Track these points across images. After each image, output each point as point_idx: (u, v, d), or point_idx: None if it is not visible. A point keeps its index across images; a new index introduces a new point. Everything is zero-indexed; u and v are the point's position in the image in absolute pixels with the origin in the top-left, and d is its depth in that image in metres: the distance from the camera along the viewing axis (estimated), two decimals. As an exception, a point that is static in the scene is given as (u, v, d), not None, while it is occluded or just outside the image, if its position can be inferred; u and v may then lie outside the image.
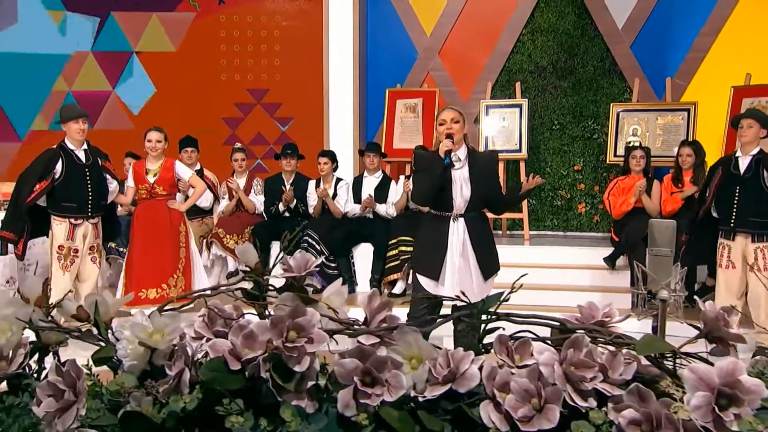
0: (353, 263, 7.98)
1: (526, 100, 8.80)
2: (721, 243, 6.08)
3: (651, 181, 7.76)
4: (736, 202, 5.95)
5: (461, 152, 4.52)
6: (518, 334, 1.42)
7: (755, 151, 5.97)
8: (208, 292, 1.59)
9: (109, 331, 1.46)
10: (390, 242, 7.61)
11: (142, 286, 6.95)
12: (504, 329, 1.50)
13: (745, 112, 6.18)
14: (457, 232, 4.49)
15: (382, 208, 8.02)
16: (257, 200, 8.49)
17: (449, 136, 4.44)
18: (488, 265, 4.54)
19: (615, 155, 8.61)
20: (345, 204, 8.14)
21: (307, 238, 7.78)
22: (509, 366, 1.31)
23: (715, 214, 6.19)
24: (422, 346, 1.34)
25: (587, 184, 9.33)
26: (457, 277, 4.49)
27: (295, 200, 8.20)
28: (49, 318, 1.45)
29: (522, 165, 8.74)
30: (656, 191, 7.75)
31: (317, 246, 7.78)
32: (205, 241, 8.17)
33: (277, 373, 1.31)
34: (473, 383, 1.28)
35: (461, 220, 4.50)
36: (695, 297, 6.55)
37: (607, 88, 9.29)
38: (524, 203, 8.69)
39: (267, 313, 1.52)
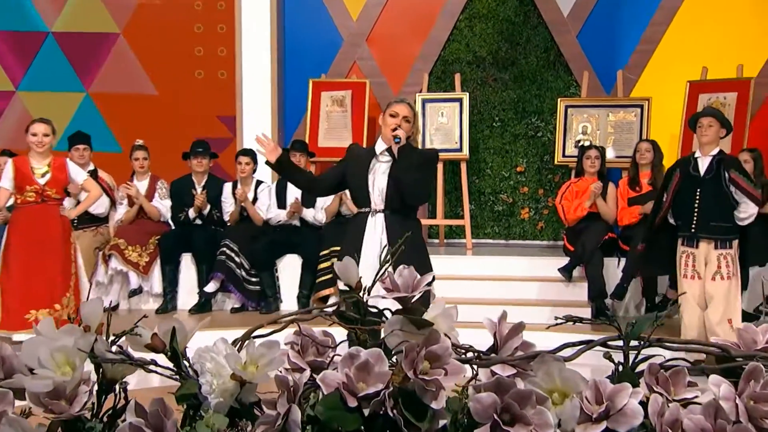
0: (278, 277, 7.89)
1: (467, 93, 8.89)
2: (684, 252, 6.26)
3: (606, 184, 7.93)
4: (696, 206, 6.17)
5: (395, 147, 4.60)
6: (668, 363, 1.41)
7: (715, 151, 6.21)
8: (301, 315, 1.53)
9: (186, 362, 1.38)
10: (322, 253, 7.56)
11: (30, 307, 6.62)
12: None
13: (703, 110, 6.42)
14: (374, 230, 4.60)
15: (310, 214, 7.94)
16: (162, 206, 8.28)
17: (397, 136, 4.53)
18: None
19: (563, 155, 8.80)
20: (267, 210, 8.04)
21: (224, 249, 7.66)
22: (667, 400, 1.30)
23: (671, 220, 6.39)
24: (567, 377, 1.32)
25: (531, 187, 9.50)
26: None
27: (208, 206, 8.05)
28: (118, 348, 1.37)
29: (463, 166, 8.82)
30: (612, 195, 7.93)
31: (236, 258, 7.68)
32: (101, 253, 7.89)
33: (408, 410, 1.27)
34: (636, 421, 1.26)
35: (380, 216, 4.61)
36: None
37: (551, 82, 9.49)
38: (466, 209, 8.78)
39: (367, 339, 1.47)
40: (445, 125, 8.78)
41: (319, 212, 7.95)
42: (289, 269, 7.88)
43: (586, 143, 8.54)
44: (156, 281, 8.03)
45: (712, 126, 6.17)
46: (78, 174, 6.79)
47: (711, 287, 6.18)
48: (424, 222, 8.75)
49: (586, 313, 7.37)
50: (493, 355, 1.39)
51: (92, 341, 1.34)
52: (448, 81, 9.42)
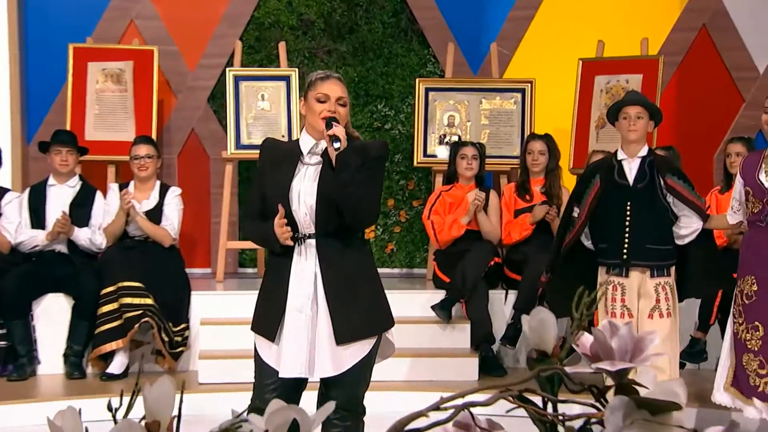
0: (34, 327, 7.26)
1: (296, 70, 8.55)
2: (611, 282, 6.01)
3: (487, 193, 7.81)
4: (627, 225, 5.90)
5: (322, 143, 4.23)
6: None
7: (644, 151, 5.95)
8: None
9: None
10: (104, 291, 7.04)
11: None
12: None
13: (627, 96, 6.16)
14: (304, 264, 4.22)
15: (83, 236, 7.40)
16: None
17: (333, 121, 4.09)
18: (346, 321, 4.20)
19: (425, 155, 8.64)
20: (17, 231, 7.41)
21: (-47, 288, 6.94)
22: None
23: (587, 243, 6.15)
24: None
25: (377, 197, 9.21)
26: (303, 334, 4.17)
27: None
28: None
29: (294, 167, 8.42)
30: (495, 207, 7.84)
31: (-28, 301, 7.03)
32: None
33: None
34: None
35: (311, 244, 4.20)
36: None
37: (402, 57, 9.37)
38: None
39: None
40: (267, 112, 8.41)
41: (96, 233, 7.44)
42: (52, 315, 7.28)
43: (454, 138, 8.43)
44: None
45: (642, 118, 5.89)
46: None
47: (649, 328, 5.85)
48: (230, 245, 8.27)
49: (473, 363, 7.17)
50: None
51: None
52: (265, 52, 9.14)
